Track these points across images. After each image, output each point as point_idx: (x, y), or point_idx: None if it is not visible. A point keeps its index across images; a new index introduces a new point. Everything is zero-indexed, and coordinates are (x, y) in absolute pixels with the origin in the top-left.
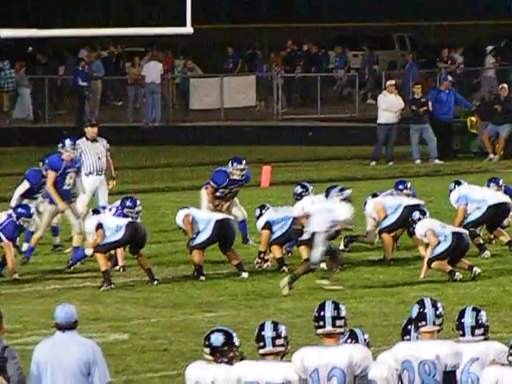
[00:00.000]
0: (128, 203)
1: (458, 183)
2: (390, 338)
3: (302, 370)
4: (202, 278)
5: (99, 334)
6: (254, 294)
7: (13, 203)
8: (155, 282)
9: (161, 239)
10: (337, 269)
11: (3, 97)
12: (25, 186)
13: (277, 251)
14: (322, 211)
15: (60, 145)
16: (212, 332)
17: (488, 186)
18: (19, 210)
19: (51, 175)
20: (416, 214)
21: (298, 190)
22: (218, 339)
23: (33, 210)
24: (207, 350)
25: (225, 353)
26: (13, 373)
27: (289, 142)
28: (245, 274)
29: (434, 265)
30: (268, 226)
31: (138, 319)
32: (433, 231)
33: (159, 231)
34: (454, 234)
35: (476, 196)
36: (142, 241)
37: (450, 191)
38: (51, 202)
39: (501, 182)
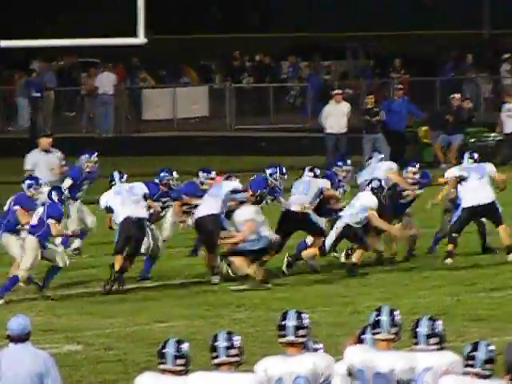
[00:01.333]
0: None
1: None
2: (344, 349)
3: (266, 380)
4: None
5: (53, 345)
6: (208, 304)
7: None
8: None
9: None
10: None
11: None
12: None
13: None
14: None
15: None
16: (167, 341)
17: (462, 158)
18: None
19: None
20: None
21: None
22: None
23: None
24: (165, 360)
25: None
26: None
27: (241, 152)
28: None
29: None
30: None
31: (92, 330)
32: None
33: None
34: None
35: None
36: (134, 239)
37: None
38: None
39: (476, 155)
